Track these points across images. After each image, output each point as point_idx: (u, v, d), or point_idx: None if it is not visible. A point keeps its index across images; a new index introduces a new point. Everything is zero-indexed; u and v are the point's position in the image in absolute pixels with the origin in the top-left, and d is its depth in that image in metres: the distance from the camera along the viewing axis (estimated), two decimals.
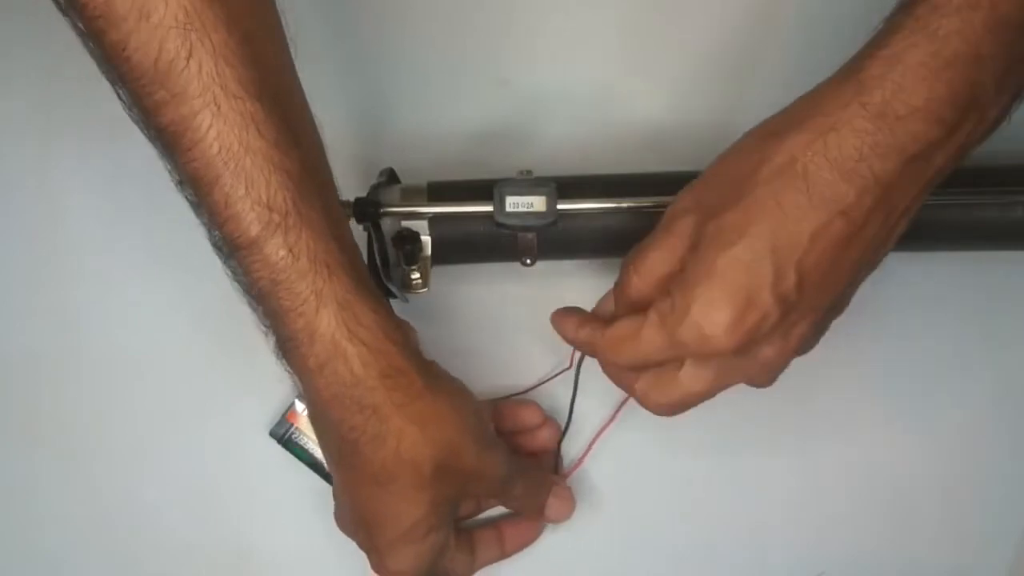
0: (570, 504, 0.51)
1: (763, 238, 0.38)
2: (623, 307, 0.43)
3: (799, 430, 0.54)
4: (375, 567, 0.46)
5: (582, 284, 0.51)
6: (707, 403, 0.53)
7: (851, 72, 0.38)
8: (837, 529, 0.53)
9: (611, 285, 0.46)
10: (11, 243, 0.55)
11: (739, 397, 0.53)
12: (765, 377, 0.43)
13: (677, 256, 0.41)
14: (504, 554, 0.51)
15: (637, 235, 0.43)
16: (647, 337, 0.41)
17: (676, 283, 0.40)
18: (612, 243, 0.48)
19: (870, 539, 0.53)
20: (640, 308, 0.42)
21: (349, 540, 0.52)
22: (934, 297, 0.54)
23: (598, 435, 0.53)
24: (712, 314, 0.38)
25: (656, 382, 0.43)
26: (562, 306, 0.46)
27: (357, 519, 0.46)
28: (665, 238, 0.41)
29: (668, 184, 0.45)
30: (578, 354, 0.49)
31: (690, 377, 0.42)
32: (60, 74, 0.55)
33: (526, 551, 0.52)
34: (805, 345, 0.42)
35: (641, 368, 0.43)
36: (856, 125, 0.37)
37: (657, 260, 0.41)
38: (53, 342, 0.54)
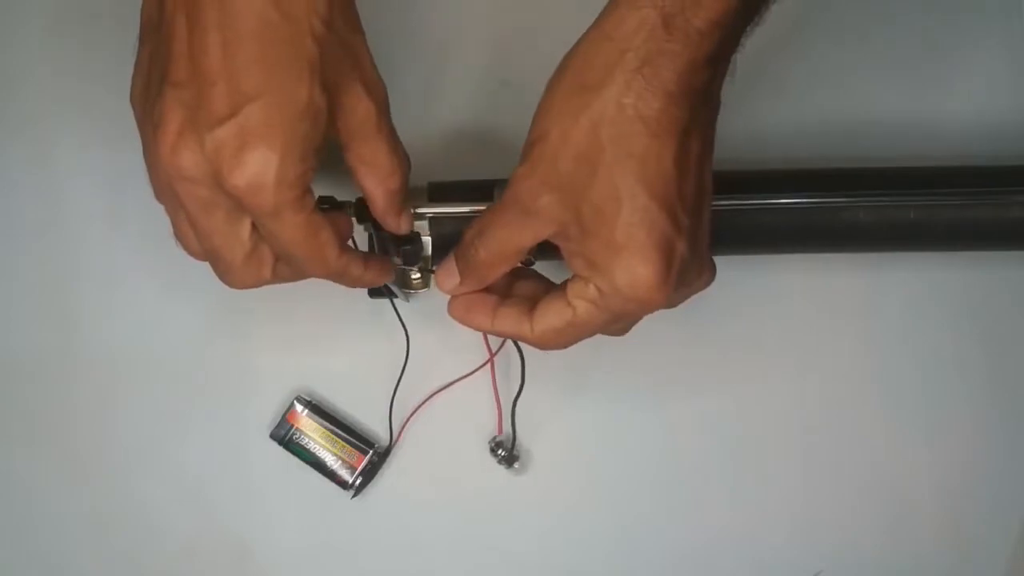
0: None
1: (639, 194, 0.39)
2: (472, 280, 0.44)
3: (798, 430, 0.54)
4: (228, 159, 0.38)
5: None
6: (705, 405, 0.53)
7: None
8: (834, 528, 0.53)
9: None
10: (11, 243, 0.54)
11: (738, 399, 0.54)
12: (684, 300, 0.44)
13: (538, 236, 0.41)
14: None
15: None
16: (588, 322, 0.42)
17: (583, 267, 0.41)
18: None
19: (867, 538, 0.53)
20: (488, 277, 0.44)
21: (349, 539, 0.52)
22: (933, 297, 0.54)
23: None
24: (641, 280, 0.39)
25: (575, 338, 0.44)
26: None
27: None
28: (525, 220, 0.41)
29: None
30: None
31: (619, 329, 0.44)
32: (60, 74, 0.55)
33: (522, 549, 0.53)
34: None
35: None
36: (667, 52, 0.38)
37: (510, 239, 0.42)
38: (53, 342, 0.54)
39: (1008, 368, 0.54)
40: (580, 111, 0.39)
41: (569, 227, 0.40)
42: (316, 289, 0.54)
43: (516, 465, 0.53)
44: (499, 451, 0.53)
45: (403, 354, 0.52)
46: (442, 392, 0.53)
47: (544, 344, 0.44)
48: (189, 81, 0.37)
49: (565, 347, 0.44)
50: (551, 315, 0.43)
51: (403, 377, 0.52)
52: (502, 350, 0.52)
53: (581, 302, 0.41)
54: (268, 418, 0.53)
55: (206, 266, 0.43)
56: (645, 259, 0.39)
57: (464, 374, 0.53)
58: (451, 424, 0.53)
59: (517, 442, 0.53)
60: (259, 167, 0.37)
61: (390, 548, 0.53)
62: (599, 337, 0.44)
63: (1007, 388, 0.54)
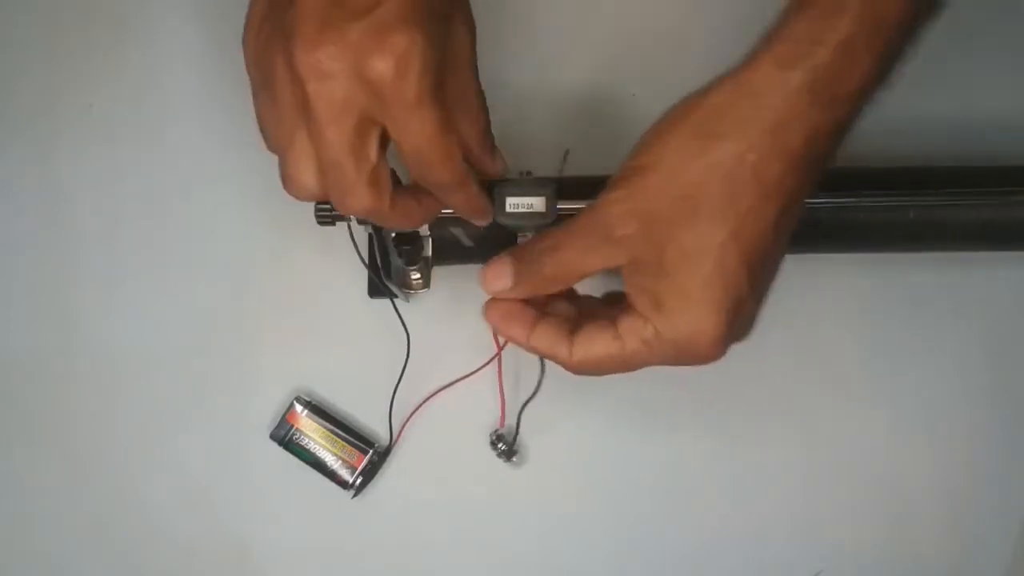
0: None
1: (731, 251, 0.38)
2: (526, 290, 0.43)
3: (798, 429, 0.54)
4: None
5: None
6: (705, 405, 0.53)
7: (795, 59, 0.37)
8: (834, 528, 0.53)
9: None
10: (11, 243, 0.55)
11: (740, 400, 0.54)
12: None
13: (609, 263, 0.40)
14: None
15: None
16: (633, 359, 0.41)
17: (647, 305, 0.40)
18: None
19: (867, 538, 0.53)
20: (544, 292, 0.43)
21: (349, 539, 0.52)
22: (933, 297, 0.54)
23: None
24: (704, 335, 0.39)
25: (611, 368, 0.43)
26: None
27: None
28: (603, 245, 0.40)
29: None
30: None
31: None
32: (61, 75, 0.55)
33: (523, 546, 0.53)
34: None
35: None
36: (804, 117, 0.37)
37: (583, 262, 0.41)
38: (53, 342, 0.54)
39: (1008, 368, 0.54)
40: (698, 154, 0.38)
41: (646, 262, 0.39)
42: (316, 289, 0.54)
43: (515, 459, 0.53)
44: (499, 444, 0.53)
45: (403, 354, 0.52)
46: (442, 392, 0.53)
47: (581, 371, 0.42)
48: None
49: (601, 376, 0.43)
50: (597, 344, 0.41)
51: (403, 377, 0.52)
52: (507, 350, 0.52)
53: (634, 339, 0.40)
54: (268, 418, 0.53)
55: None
56: (712, 316, 0.39)
57: (466, 373, 0.53)
58: (451, 423, 0.53)
59: (519, 438, 0.53)
60: (405, 47, 0.36)
61: (390, 548, 0.53)
62: None
63: (1007, 388, 0.54)
